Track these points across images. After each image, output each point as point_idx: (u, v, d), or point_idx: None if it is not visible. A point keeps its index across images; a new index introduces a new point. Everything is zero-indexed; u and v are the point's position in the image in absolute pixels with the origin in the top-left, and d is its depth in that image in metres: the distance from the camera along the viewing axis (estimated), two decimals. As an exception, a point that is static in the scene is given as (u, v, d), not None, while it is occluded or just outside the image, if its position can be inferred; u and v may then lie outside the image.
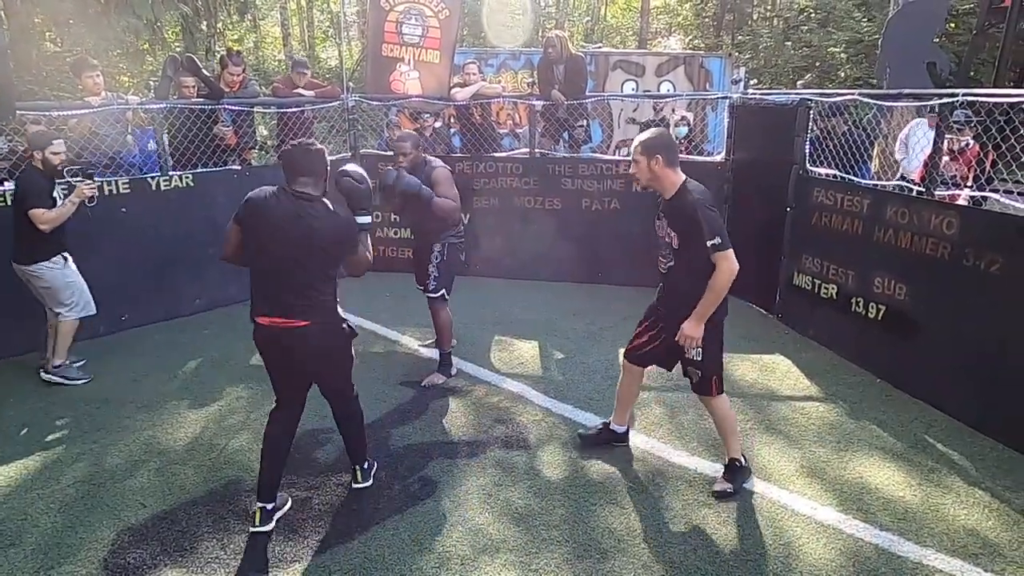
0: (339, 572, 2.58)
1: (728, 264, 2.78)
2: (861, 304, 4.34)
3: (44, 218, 3.93)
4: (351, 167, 2.91)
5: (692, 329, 2.86)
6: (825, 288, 4.67)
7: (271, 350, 2.77)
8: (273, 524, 2.81)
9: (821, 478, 3.18)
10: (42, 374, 4.19)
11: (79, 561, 2.64)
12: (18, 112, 4.52)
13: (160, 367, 4.45)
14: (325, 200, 2.70)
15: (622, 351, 4.55)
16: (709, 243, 2.74)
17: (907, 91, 4.59)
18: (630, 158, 2.99)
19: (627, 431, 3.45)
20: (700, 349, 2.93)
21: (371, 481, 3.11)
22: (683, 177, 2.92)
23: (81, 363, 4.39)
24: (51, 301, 4.13)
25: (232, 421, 3.74)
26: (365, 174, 2.92)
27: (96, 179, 4.22)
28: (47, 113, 4.93)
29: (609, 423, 3.44)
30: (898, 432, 3.59)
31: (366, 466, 3.12)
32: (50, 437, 3.59)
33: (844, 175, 4.68)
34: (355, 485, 3.09)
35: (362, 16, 18.44)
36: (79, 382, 4.19)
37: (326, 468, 3.28)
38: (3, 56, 4.28)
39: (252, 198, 2.68)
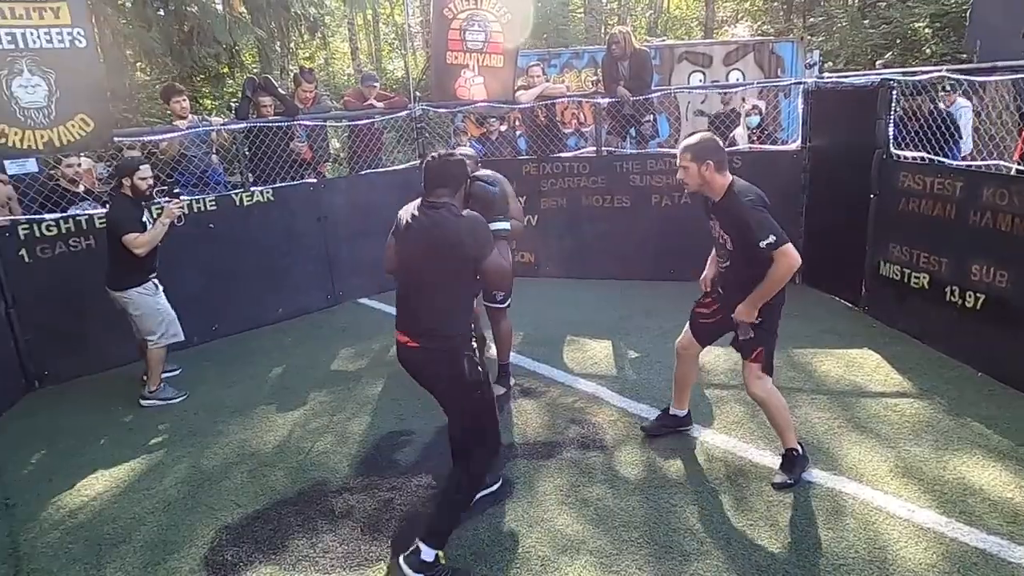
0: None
1: (787, 259, 2.76)
2: (956, 293, 4.08)
3: (138, 242, 4.00)
4: (483, 172, 2.85)
5: (745, 313, 2.91)
6: (916, 278, 4.41)
7: (403, 365, 2.67)
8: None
9: (919, 478, 3.01)
10: (142, 403, 4.25)
11: (182, 557, 2.81)
12: (115, 139, 4.86)
13: (248, 374, 4.68)
14: (454, 204, 2.55)
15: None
16: (763, 244, 2.74)
17: (1001, 64, 4.27)
18: (678, 163, 2.97)
19: (688, 414, 3.46)
20: (750, 327, 2.95)
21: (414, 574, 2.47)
22: (730, 178, 2.92)
23: (175, 372, 4.60)
24: (142, 328, 4.21)
25: (316, 425, 3.89)
26: (500, 177, 2.85)
27: (182, 198, 4.32)
28: (141, 138, 5.28)
29: (669, 409, 3.47)
30: (1004, 429, 3.35)
31: (423, 554, 2.46)
32: (153, 441, 3.83)
33: (933, 157, 4.41)
34: (401, 560, 2.48)
35: (426, 26, 18.81)
36: (176, 400, 4.29)
37: (407, 470, 3.35)
38: (100, 88, 4.62)
39: (400, 213, 2.65)
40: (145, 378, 4.32)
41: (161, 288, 4.29)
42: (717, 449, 3.35)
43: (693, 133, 3.04)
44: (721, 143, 2.99)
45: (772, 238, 2.73)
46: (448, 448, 3.48)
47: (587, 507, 2.97)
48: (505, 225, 2.73)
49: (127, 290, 4.14)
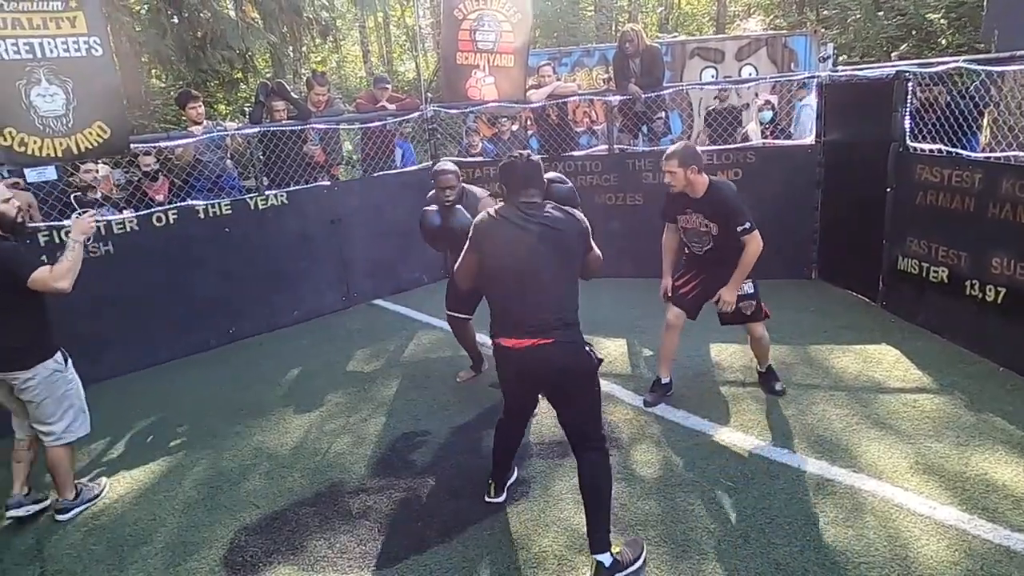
0: (439, 571, 2.64)
1: (756, 242, 3.43)
2: (977, 287, 4.02)
3: (56, 273, 2.93)
4: (553, 174, 2.95)
5: (730, 295, 3.53)
6: (934, 271, 4.36)
7: (514, 371, 2.63)
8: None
9: (940, 475, 2.97)
10: (58, 518, 3.17)
11: (202, 558, 2.84)
12: (131, 146, 4.92)
13: (265, 376, 4.72)
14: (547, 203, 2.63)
15: (711, 345, 4.47)
16: (739, 228, 3.39)
17: (1020, 53, 4.20)
18: (664, 168, 3.50)
19: (671, 380, 3.88)
20: (746, 299, 3.59)
21: None
22: (707, 177, 3.52)
23: (101, 493, 3.37)
24: (40, 416, 3.07)
25: (332, 426, 3.91)
26: (563, 177, 2.99)
27: (89, 212, 3.24)
28: (156, 144, 5.34)
29: (660, 379, 3.86)
30: (1027, 424, 3.30)
31: (608, 563, 2.47)
32: (172, 443, 3.87)
33: (951, 149, 4.35)
34: None
35: (437, 28, 18.87)
36: (104, 492, 3.37)
37: (423, 470, 3.37)
38: (117, 96, 4.68)
39: (480, 225, 2.61)
40: (56, 494, 3.22)
41: (70, 360, 3.19)
42: (734, 447, 3.33)
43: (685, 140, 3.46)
44: (698, 149, 3.57)
45: (748, 224, 3.39)
46: (463, 448, 3.50)
47: (603, 506, 2.96)
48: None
49: (34, 367, 2.99)
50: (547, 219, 2.53)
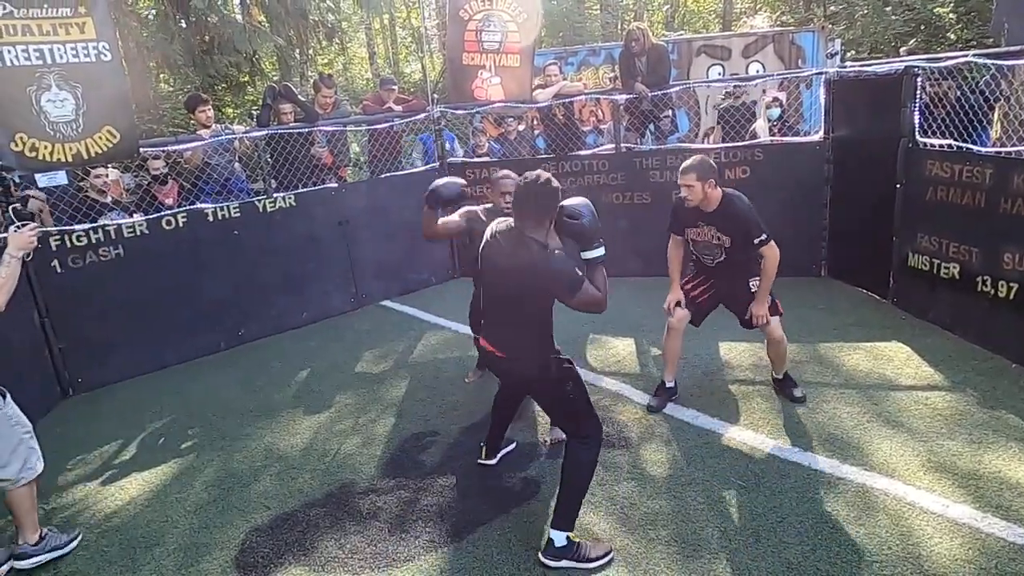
0: (450, 571, 2.65)
1: (774, 252, 3.41)
2: (989, 283, 3.99)
3: None
4: (570, 202, 2.60)
5: (760, 308, 3.50)
6: (945, 267, 4.32)
7: (487, 365, 2.99)
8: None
9: (952, 473, 2.95)
10: (16, 564, 2.86)
11: (214, 559, 2.85)
12: (141, 150, 4.96)
13: (274, 378, 4.74)
14: (549, 241, 2.57)
15: (720, 344, 4.45)
16: (757, 240, 3.37)
17: (1030, 47, 4.17)
18: (681, 183, 3.45)
19: (675, 384, 3.83)
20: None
21: (561, 563, 2.58)
22: (721, 190, 3.48)
23: (73, 542, 3.02)
24: None
25: (342, 427, 3.93)
26: (588, 204, 2.61)
27: (30, 226, 2.88)
28: (165, 148, 5.37)
29: (665, 383, 3.80)
30: (1040, 421, 3.27)
31: (559, 543, 2.59)
32: (183, 445, 3.90)
33: (961, 144, 4.31)
34: (541, 556, 2.61)
35: (443, 29, 18.88)
36: (73, 544, 3.00)
37: (432, 470, 3.37)
38: (126, 100, 4.71)
39: (491, 226, 2.77)
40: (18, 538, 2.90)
41: (8, 394, 2.82)
42: (744, 446, 3.31)
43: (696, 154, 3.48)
44: (712, 162, 3.47)
45: (764, 235, 3.37)
46: (472, 449, 3.51)
47: (614, 505, 2.95)
48: (599, 252, 2.65)
49: None
50: (522, 257, 2.51)
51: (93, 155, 4.59)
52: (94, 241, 4.73)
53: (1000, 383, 3.66)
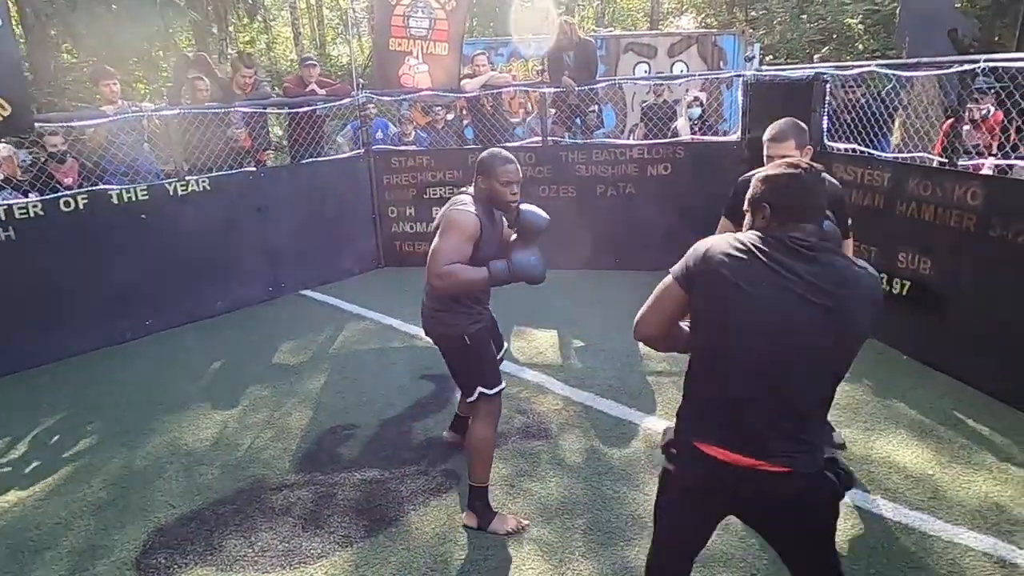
0: (365, 566, 2.60)
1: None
2: (885, 280, 4.25)
3: None
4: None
5: None
6: (847, 265, 4.57)
7: (713, 492, 1.74)
8: None
9: (847, 459, 3.13)
10: None
11: (112, 562, 2.70)
12: (36, 124, 4.60)
13: (183, 370, 4.52)
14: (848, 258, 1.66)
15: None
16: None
17: (925, 60, 4.46)
18: (770, 153, 2.98)
19: None
20: None
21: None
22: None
23: None
24: None
25: (255, 420, 3.79)
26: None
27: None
28: (64, 124, 5.01)
29: None
30: (927, 409, 3.53)
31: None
32: (81, 442, 3.66)
33: (864, 149, 4.57)
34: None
35: (371, 12, 18.44)
36: None
37: (350, 464, 3.30)
38: (18, 70, 4.35)
39: (712, 252, 1.63)
40: None
41: None
42: (658, 435, 3.41)
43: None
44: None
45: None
46: (392, 441, 3.46)
47: (531, 496, 2.98)
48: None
49: None
50: (831, 278, 1.56)
51: (-20, 128, 4.22)
52: (-19, 222, 4.36)
53: (894, 373, 3.92)
